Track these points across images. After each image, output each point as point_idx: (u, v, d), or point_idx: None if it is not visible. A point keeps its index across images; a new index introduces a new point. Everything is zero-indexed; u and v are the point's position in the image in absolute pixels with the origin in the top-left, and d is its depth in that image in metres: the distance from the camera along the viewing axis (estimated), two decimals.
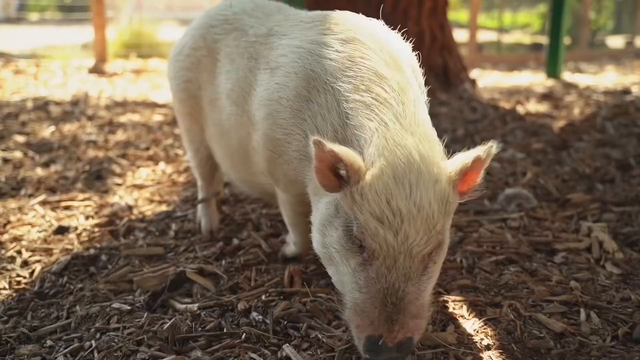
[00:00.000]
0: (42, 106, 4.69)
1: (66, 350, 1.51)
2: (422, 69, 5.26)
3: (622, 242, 2.12)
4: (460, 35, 9.98)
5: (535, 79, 6.61)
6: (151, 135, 3.78)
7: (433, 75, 5.45)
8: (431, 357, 1.43)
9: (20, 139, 3.65)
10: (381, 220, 1.24)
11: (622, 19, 14.56)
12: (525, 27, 15.73)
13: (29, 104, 4.76)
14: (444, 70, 5.53)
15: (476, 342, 1.49)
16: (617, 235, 2.18)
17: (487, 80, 6.67)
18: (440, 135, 3.66)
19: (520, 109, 4.63)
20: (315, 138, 1.28)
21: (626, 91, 5.50)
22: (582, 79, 6.60)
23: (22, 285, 1.88)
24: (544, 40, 10.52)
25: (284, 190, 1.75)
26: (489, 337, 1.51)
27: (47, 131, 3.86)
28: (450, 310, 1.65)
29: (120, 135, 3.77)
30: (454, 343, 1.48)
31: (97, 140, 3.61)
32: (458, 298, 1.71)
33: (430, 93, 4.90)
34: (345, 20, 1.61)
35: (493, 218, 2.34)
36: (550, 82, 6.23)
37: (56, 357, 1.48)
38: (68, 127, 3.96)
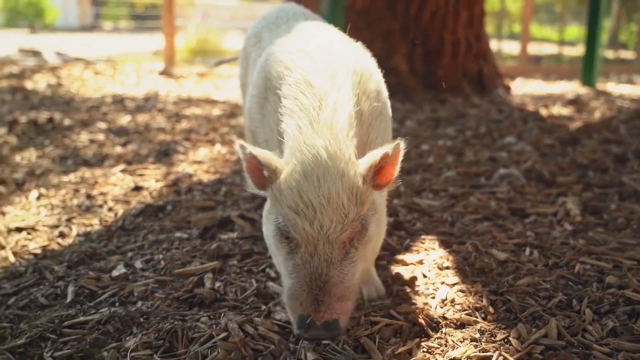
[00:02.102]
0: (119, 101, 5.40)
1: (141, 259, 2.10)
2: (458, 74, 5.84)
3: (587, 211, 2.57)
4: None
5: (570, 87, 6.95)
6: (211, 125, 4.41)
7: (468, 80, 5.91)
8: (403, 271, 1.95)
9: (103, 125, 4.33)
10: (297, 212, 1.40)
11: None
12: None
13: (108, 99, 5.48)
14: (478, 76, 5.97)
15: (438, 264, 2.00)
16: (587, 207, 2.62)
17: (527, 88, 7.05)
18: (463, 132, 4.13)
19: (544, 112, 5.05)
20: (240, 142, 1.46)
21: None
22: (619, 89, 6.90)
23: (109, 223, 2.50)
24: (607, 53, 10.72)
25: None
26: (449, 261, 2.01)
27: (124, 120, 4.55)
28: (425, 245, 2.16)
29: (184, 124, 4.41)
30: (420, 263, 2.00)
31: (165, 128, 4.27)
32: (434, 238, 2.22)
33: (464, 96, 5.38)
34: (307, 34, 1.83)
35: (484, 191, 2.81)
36: (583, 90, 6.57)
37: (134, 263, 2.07)
38: (141, 118, 4.64)
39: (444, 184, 2.91)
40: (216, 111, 5.04)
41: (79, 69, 7.73)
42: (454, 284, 1.86)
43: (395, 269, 1.97)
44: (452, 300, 1.76)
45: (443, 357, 1.49)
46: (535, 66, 10.60)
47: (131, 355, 1.51)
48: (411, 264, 2.01)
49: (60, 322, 1.67)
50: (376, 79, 1.77)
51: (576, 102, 5.57)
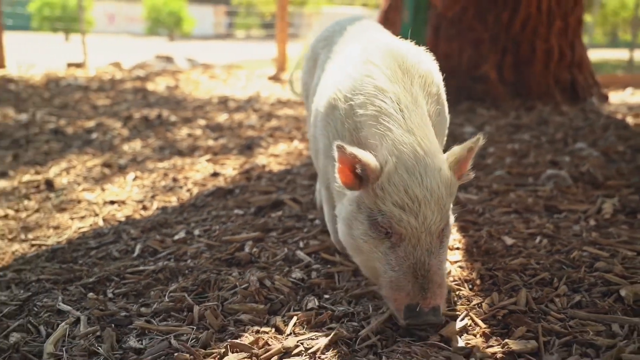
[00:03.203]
0: (223, 102, 5.95)
1: (201, 229, 2.49)
2: (549, 82, 5.91)
3: (623, 212, 2.66)
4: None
5: None
6: (297, 124, 4.81)
7: (560, 88, 5.92)
8: None
9: (202, 122, 4.86)
10: (403, 207, 1.48)
11: None
12: None
13: (214, 100, 6.04)
14: (571, 85, 5.96)
15: (450, 245, 2.23)
16: (625, 208, 2.71)
17: (636, 98, 6.87)
18: (538, 137, 4.24)
19: (630, 120, 5.00)
20: (338, 142, 1.51)
21: None
22: None
23: (184, 200, 2.93)
24: None
25: (320, 182, 2.10)
26: (460, 243, 2.24)
27: (222, 118, 5.05)
28: None
29: (273, 123, 4.85)
30: None
31: (255, 125, 4.72)
32: (456, 224, 2.44)
33: (554, 105, 5.45)
34: (370, 45, 1.87)
35: (527, 189, 2.97)
36: None
37: (194, 231, 2.47)
38: (237, 116, 5.13)
39: (492, 181, 3.09)
40: (298, 112, 5.44)
41: (198, 73, 8.44)
42: (456, 261, 2.09)
43: None
44: (448, 273, 2.00)
45: None
46: None
47: (170, 295, 1.89)
48: None
49: (124, 269, 2.09)
50: (437, 82, 1.84)
51: None
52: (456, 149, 1.58)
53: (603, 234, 2.31)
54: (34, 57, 11.48)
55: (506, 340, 1.54)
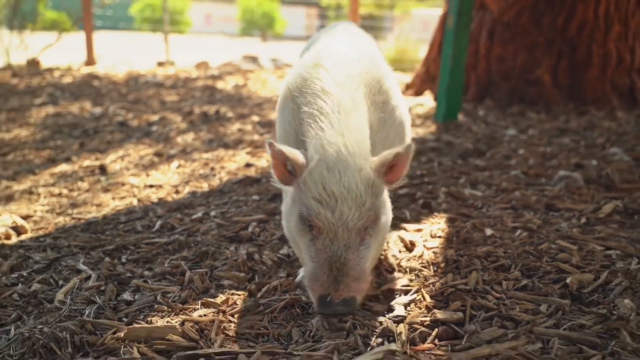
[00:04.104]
0: None
1: (218, 210, 2.79)
2: (605, 87, 5.91)
3: (624, 213, 2.74)
4: None
5: None
6: None
7: (617, 93, 5.85)
8: (403, 234, 2.40)
9: (255, 118, 5.19)
10: (320, 201, 1.58)
11: None
12: None
13: (275, 99, 6.38)
14: (630, 90, 5.88)
15: (432, 233, 2.42)
16: (627, 209, 2.78)
17: None
18: (578, 142, 4.25)
19: None
20: (269, 140, 1.65)
21: None
22: None
23: (213, 187, 3.24)
24: None
25: None
26: (443, 232, 2.42)
27: (275, 115, 5.36)
28: (434, 220, 2.58)
29: None
30: (419, 231, 2.44)
31: None
32: (446, 216, 2.62)
33: (609, 110, 5.46)
34: (324, 50, 2.00)
35: (535, 188, 3.09)
36: None
37: (211, 212, 2.77)
38: None
39: (503, 180, 3.22)
40: None
41: (268, 72, 8.83)
42: (432, 247, 2.28)
43: (397, 233, 2.44)
44: (421, 256, 2.19)
45: (379, 287, 1.96)
46: None
47: (170, 262, 2.18)
48: (411, 231, 2.46)
49: (140, 240, 2.42)
50: (385, 91, 1.94)
51: None
52: (383, 154, 1.66)
53: (585, 230, 2.42)
54: (131, 55, 12.26)
55: (434, 310, 1.74)
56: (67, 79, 7.89)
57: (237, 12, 29.85)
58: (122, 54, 12.46)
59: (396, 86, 2.12)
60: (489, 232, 2.40)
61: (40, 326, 1.66)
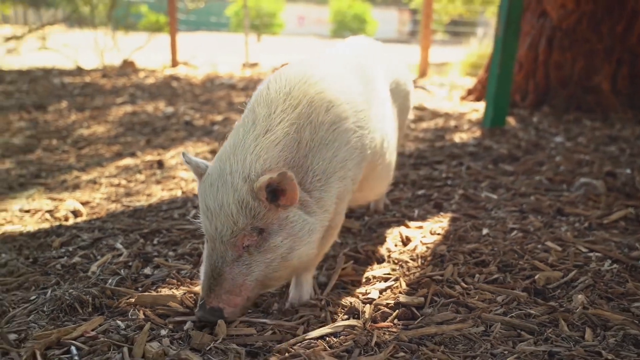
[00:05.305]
0: None
1: None
2: None
3: (633, 220, 2.82)
4: None
5: None
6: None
7: None
8: (403, 230, 2.62)
9: None
10: (203, 212, 1.67)
11: None
12: None
13: None
14: None
15: (432, 230, 2.61)
16: (639, 217, 2.87)
17: None
18: (624, 151, 4.26)
19: None
20: (183, 152, 1.83)
21: None
22: None
23: None
24: None
25: None
26: (442, 230, 2.62)
27: None
28: (437, 218, 2.77)
29: None
30: (420, 228, 2.64)
31: None
32: (451, 216, 2.80)
33: None
34: (294, 64, 1.95)
35: (552, 194, 3.20)
36: None
37: None
38: None
39: (523, 184, 3.35)
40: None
41: None
42: (427, 243, 2.48)
43: (398, 229, 2.65)
44: (413, 250, 2.41)
45: (363, 274, 2.19)
46: None
47: (192, 245, 2.50)
48: (412, 227, 2.67)
49: (173, 226, 2.75)
50: (336, 112, 1.81)
51: None
52: (262, 178, 1.59)
53: (581, 234, 2.55)
54: (221, 57, 12.87)
55: (398, 294, 1.96)
56: (150, 80, 8.48)
57: (329, 14, 30.33)
58: (214, 55, 13.09)
59: (365, 108, 1.96)
60: (485, 231, 2.57)
61: (70, 290, 2.00)
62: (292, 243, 1.70)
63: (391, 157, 2.32)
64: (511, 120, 5.45)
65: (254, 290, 1.71)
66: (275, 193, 1.62)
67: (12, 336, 1.74)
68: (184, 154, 1.81)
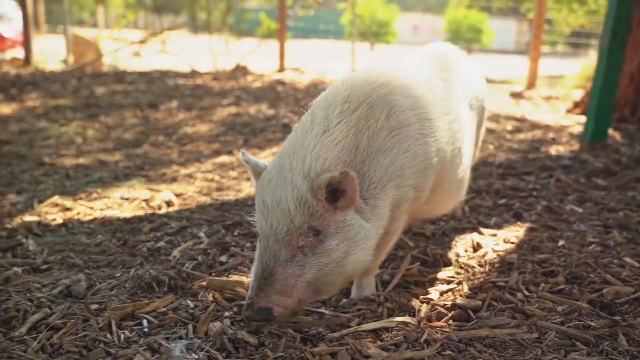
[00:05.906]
0: None
1: None
2: None
3: None
4: None
5: None
6: (491, 136, 5.19)
7: None
8: (475, 237, 2.61)
9: None
10: (258, 209, 1.65)
11: None
12: None
13: None
14: None
15: (506, 239, 2.59)
16: None
17: None
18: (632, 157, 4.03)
19: None
20: (242, 151, 1.84)
21: None
22: None
23: None
24: None
25: None
26: (517, 239, 2.59)
27: None
28: (515, 227, 2.74)
29: None
30: (494, 236, 2.63)
31: None
32: (529, 226, 2.76)
33: None
34: (367, 69, 1.95)
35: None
36: None
37: None
38: None
39: (614, 200, 3.22)
40: (501, 126, 5.74)
41: None
42: (498, 250, 2.47)
43: (470, 235, 2.65)
44: (483, 256, 2.41)
45: (427, 276, 2.22)
46: None
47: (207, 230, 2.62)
48: (486, 235, 2.66)
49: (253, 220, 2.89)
50: (398, 119, 1.78)
51: None
52: (323, 176, 1.59)
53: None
54: (330, 63, 13.12)
55: (456, 296, 1.98)
56: (257, 84, 8.80)
57: (444, 24, 29.97)
58: (324, 62, 13.36)
59: (431, 116, 1.91)
60: (560, 243, 2.52)
61: (150, 270, 2.18)
62: (348, 248, 1.65)
63: (463, 174, 2.29)
64: (616, 135, 5.22)
65: (305, 294, 1.65)
66: (334, 193, 1.59)
67: (94, 306, 1.93)
68: (243, 153, 1.81)
